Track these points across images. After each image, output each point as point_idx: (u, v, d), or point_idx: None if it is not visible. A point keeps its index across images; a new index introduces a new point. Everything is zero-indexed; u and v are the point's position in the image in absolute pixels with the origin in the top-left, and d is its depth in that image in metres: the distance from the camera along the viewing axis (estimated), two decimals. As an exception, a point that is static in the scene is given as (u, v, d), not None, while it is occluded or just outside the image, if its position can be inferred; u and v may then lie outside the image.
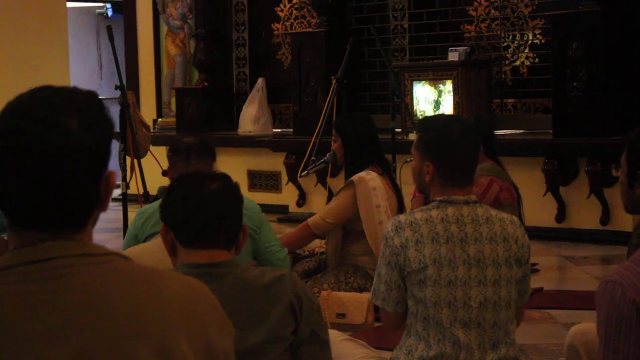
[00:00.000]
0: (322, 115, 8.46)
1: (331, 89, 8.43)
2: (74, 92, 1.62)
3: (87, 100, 1.62)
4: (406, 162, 6.71)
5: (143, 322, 1.56)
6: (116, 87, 7.20)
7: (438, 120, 3.65)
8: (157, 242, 3.59)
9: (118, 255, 1.63)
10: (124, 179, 7.15)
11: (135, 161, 7.16)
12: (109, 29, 7.20)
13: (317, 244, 6.46)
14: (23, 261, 1.57)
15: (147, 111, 11.72)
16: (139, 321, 1.56)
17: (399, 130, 8.83)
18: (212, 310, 1.67)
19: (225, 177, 2.66)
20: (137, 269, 1.63)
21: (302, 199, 10.29)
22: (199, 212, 2.57)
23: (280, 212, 10.30)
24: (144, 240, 4.33)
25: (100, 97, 1.65)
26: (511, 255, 3.27)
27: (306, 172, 6.99)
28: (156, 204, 4.14)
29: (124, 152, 7.21)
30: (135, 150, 7.17)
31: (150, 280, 1.62)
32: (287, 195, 10.48)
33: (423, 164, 3.34)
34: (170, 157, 4.98)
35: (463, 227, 3.25)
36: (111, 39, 7.18)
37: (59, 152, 1.55)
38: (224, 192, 2.61)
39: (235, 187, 2.66)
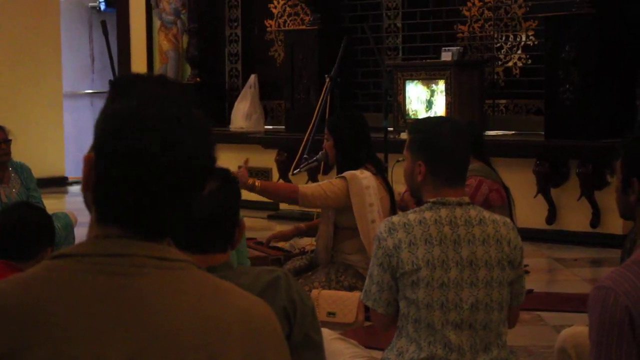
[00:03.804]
0: (315, 113, 8.47)
1: (325, 87, 8.43)
2: (187, 103, 1.63)
3: (199, 113, 1.62)
4: (397, 161, 6.72)
5: (202, 335, 1.54)
6: (110, 82, 7.21)
7: (429, 120, 3.71)
8: None
9: (193, 264, 1.62)
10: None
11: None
12: (104, 24, 7.20)
13: (308, 242, 6.45)
14: (100, 252, 1.55)
15: (139, 106, 11.66)
16: (198, 333, 1.54)
17: (391, 129, 8.83)
18: (273, 334, 1.64)
19: (224, 174, 2.60)
20: (207, 280, 1.62)
21: (293, 197, 10.26)
22: (196, 218, 2.50)
23: (270, 209, 10.29)
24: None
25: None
26: (504, 257, 3.28)
27: (298, 170, 6.99)
28: None
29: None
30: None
31: (217, 294, 1.61)
32: (278, 193, 10.45)
33: (415, 163, 3.34)
34: None
35: (456, 229, 3.26)
36: (105, 34, 7.19)
37: (168, 165, 1.55)
38: (222, 192, 2.55)
39: (233, 183, 2.61)
